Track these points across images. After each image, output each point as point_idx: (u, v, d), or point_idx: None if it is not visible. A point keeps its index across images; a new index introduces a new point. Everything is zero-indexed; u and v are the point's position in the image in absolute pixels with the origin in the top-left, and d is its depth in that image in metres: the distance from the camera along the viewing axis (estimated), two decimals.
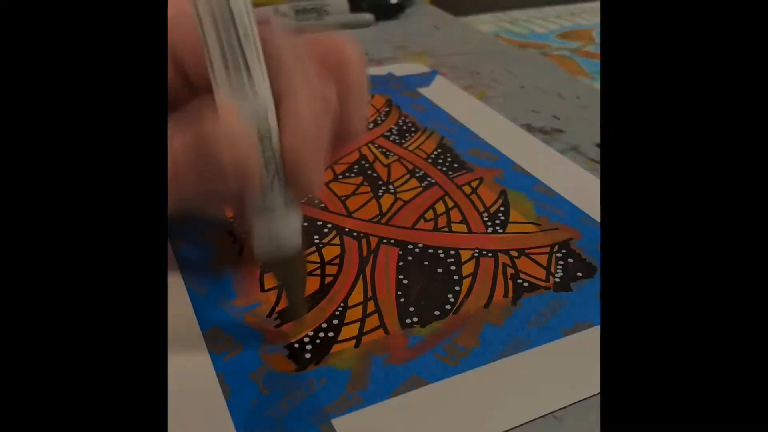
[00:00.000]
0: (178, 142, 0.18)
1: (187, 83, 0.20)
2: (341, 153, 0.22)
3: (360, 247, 0.26)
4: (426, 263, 0.25)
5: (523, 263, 0.25)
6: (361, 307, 0.23)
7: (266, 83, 0.18)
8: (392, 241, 0.26)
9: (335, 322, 0.22)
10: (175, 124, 0.18)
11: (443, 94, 0.41)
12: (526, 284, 0.24)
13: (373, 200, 0.29)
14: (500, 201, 0.29)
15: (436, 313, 0.22)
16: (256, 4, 0.26)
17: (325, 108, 0.19)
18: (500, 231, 0.27)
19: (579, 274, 0.24)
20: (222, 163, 0.17)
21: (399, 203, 0.29)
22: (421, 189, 0.30)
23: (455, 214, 0.28)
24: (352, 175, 0.31)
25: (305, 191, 0.20)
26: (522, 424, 0.19)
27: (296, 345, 0.21)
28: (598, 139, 0.35)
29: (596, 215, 0.28)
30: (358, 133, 0.21)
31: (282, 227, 0.19)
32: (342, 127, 0.20)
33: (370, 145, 0.34)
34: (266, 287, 0.24)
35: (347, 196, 0.29)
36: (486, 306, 0.23)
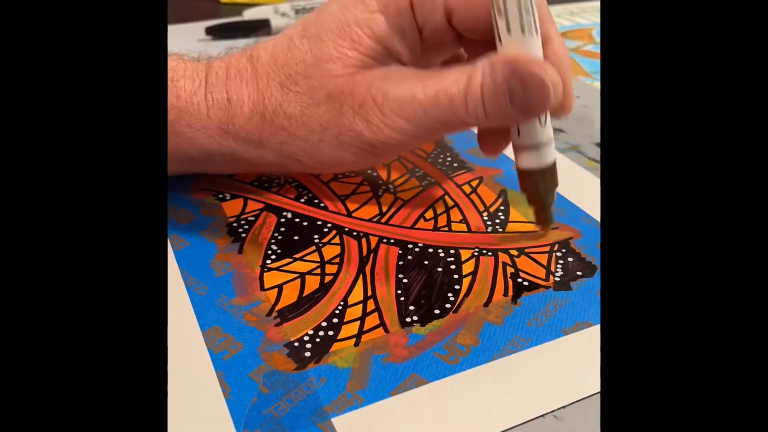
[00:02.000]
0: (487, 77, 0.22)
1: (449, 27, 0.24)
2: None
3: (360, 246, 0.26)
4: (426, 262, 0.25)
5: (522, 262, 0.25)
6: (361, 305, 0.23)
7: (538, 26, 0.23)
8: (392, 241, 0.26)
9: (335, 320, 0.22)
10: (476, 67, 0.22)
11: None
12: (526, 283, 0.24)
13: (373, 199, 0.29)
14: (500, 200, 0.29)
15: (436, 311, 0.22)
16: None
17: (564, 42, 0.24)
18: (500, 230, 0.27)
19: (579, 273, 0.25)
20: (543, 91, 0.22)
21: (399, 202, 0.29)
22: (420, 188, 0.30)
23: (455, 214, 0.28)
24: (352, 174, 0.31)
25: (568, 110, 0.24)
26: (522, 423, 0.19)
27: (296, 344, 0.21)
28: (598, 139, 0.35)
29: (596, 214, 0.28)
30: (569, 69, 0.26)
31: (548, 150, 0.24)
32: None
33: None
34: (266, 286, 0.24)
35: (347, 196, 0.29)
36: (486, 305, 0.23)
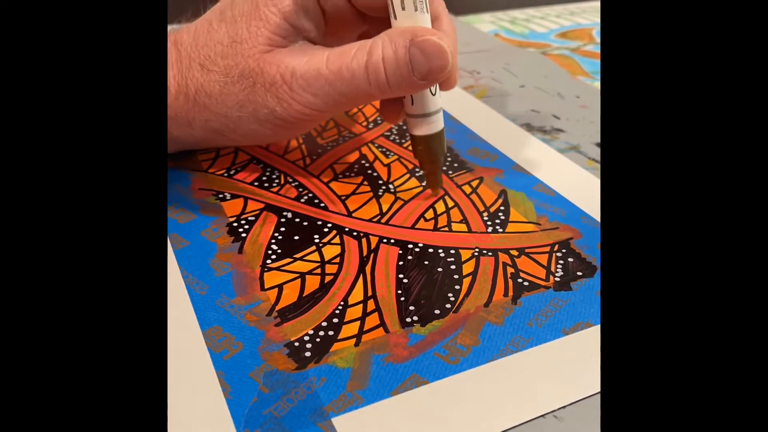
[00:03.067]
0: (388, 50, 0.24)
1: (349, 5, 0.27)
2: None
3: (360, 247, 0.26)
4: (426, 262, 0.25)
5: (523, 262, 0.25)
6: (361, 305, 0.23)
7: (428, 5, 0.25)
8: (392, 241, 0.26)
9: (335, 320, 0.22)
10: (375, 41, 0.25)
11: (443, 93, 0.41)
12: (526, 283, 0.24)
13: (373, 200, 0.29)
14: (500, 200, 0.29)
15: (436, 311, 0.22)
16: None
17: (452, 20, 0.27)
18: (500, 230, 0.27)
19: (579, 273, 0.25)
20: (442, 57, 0.24)
21: (399, 203, 0.29)
22: (421, 188, 0.30)
23: (455, 214, 0.28)
24: (352, 174, 0.31)
25: (453, 83, 0.27)
26: (522, 424, 0.19)
27: (296, 343, 0.21)
28: (598, 139, 0.35)
29: (596, 215, 0.28)
30: (455, 46, 0.28)
31: (437, 118, 0.27)
32: None
33: (370, 144, 0.34)
34: (266, 286, 0.24)
35: (347, 196, 0.29)
36: (486, 305, 0.23)
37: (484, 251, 0.26)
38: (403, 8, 0.24)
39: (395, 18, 0.25)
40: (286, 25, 0.25)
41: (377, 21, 0.27)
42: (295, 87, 0.25)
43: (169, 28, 0.29)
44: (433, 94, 0.26)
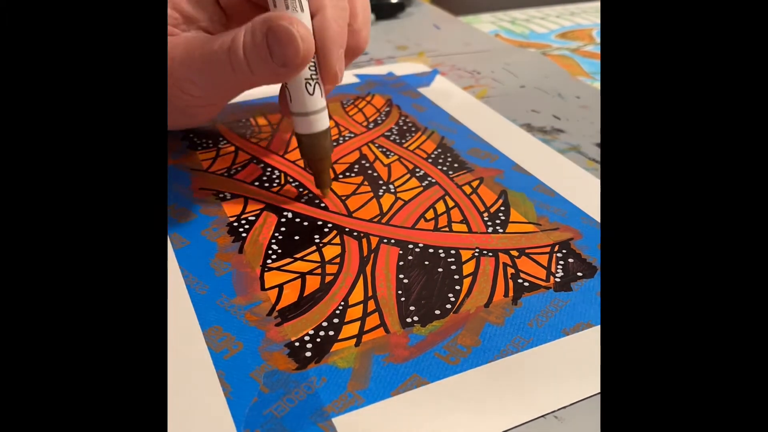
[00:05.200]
0: (248, 36, 0.24)
1: None
2: (351, 61, 0.30)
3: (360, 247, 0.26)
4: (426, 263, 0.25)
5: (523, 263, 0.25)
6: (361, 306, 0.23)
7: (306, 1, 0.25)
8: (392, 241, 0.26)
9: (336, 320, 0.22)
10: (241, 27, 0.25)
11: (443, 93, 0.41)
12: (526, 284, 0.24)
13: (374, 200, 0.29)
14: (500, 201, 0.29)
15: (437, 312, 0.22)
16: None
17: (344, 17, 0.27)
18: (500, 231, 0.27)
19: (579, 273, 0.25)
20: (292, 42, 0.24)
21: (399, 203, 0.29)
22: (421, 189, 0.30)
23: (455, 214, 0.28)
24: (353, 174, 0.31)
25: (333, 80, 0.26)
26: (522, 424, 0.19)
27: (296, 343, 0.21)
28: (598, 139, 0.35)
29: (596, 215, 0.28)
30: (364, 44, 0.29)
31: (316, 118, 0.27)
32: (352, 40, 0.28)
33: (370, 144, 0.34)
34: (266, 286, 0.24)
35: (347, 196, 0.29)
36: (486, 305, 0.23)
37: (485, 251, 0.26)
38: (275, 6, 0.25)
39: (275, 4, 0.25)
40: (175, 14, 0.26)
41: None
42: (175, 75, 0.26)
43: None
44: (311, 94, 0.26)
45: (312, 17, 0.26)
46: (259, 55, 0.24)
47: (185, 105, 0.27)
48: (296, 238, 0.26)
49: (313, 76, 0.26)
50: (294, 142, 0.34)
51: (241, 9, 0.28)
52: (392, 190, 0.30)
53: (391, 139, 0.35)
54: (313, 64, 0.26)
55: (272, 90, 0.38)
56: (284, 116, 0.32)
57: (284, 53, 0.24)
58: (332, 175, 0.30)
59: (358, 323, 0.22)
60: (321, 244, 0.26)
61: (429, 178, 0.31)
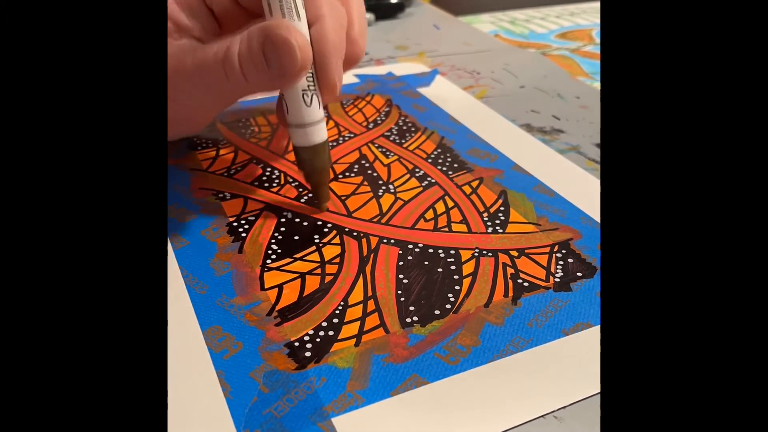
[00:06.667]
0: (243, 45, 0.24)
1: (238, 7, 0.26)
2: (347, 70, 0.29)
3: (360, 247, 0.26)
4: (426, 263, 0.25)
5: (523, 263, 0.25)
6: (361, 306, 0.23)
7: (303, 9, 0.25)
8: (392, 241, 0.26)
9: (335, 320, 0.22)
10: (235, 35, 0.24)
11: (443, 94, 0.41)
12: (526, 284, 0.24)
13: (373, 200, 0.29)
14: (500, 201, 0.29)
15: (436, 312, 0.22)
16: None
17: (342, 26, 0.26)
18: (500, 231, 0.27)
19: (579, 274, 0.25)
20: (290, 51, 0.23)
21: (399, 203, 0.29)
22: (421, 189, 0.30)
23: (455, 214, 0.28)
24: (352, 174, 0.31)
25: (332, 91, 0.26)
26: (522, 424, 0.19)
27: (296, 343, 0.21)
28: (598, 139, 0.35)
29: (596, 215, 0.28)
30: (361, 54, 0.29)
31: (314, 130, 0.26)
32: (349, 50, 0.27)
33: (370, 144, 0.34)
34: (266, 286, 0.24)
35: (347, 196, 0.29)
36: (486, 305, 0.23)
37: (484, 252, 0.26)
38: (271, 14, 0.24)
39: (271, 13, 0.25)
40: (168, 23, 0.25)
41: None
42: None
43: None
44: (308, 105, 0.25)
45: (309, 26, 0.25)
46: (255, 64, 0.24)
47: (179, 115, 0.27)
48: (296, 238, 0.26)
49: (311, 87, 0.25)
50: None
51: (234, 18, 0.27)
52: (392, 190, 0.30)
53: (391, 139, 0.35)
54: (310, 74, 0.25)
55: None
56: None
57: (281, 62, 0.23)
58: (330, 195, 0.29)
59: (358, 323, 0.22)
60: (321, 244, 0.26)
61: (429, 178, 0.31)
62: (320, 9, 0.25)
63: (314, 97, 0.26)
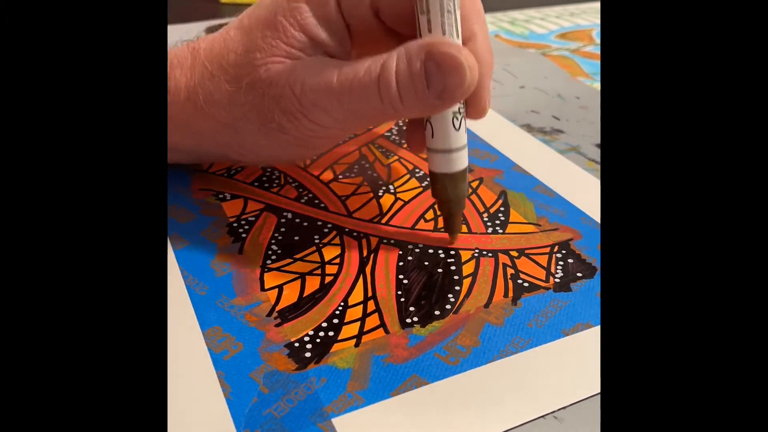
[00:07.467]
0: (402, 62, 0.22)
1: (378, 21, 0.25)
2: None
3: (360, 247, 0.26)
4: (426, 263, 0.25)
5: (522, 263, 0.25)
6: (361, 306, 0.23)
7: (460, 27, 0.23)
8: (392, 241, 0.26)
9: (335, 321, 0.22)
10: (391, 54, 0.22)
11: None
12: (526, 284, 0.24)
13: (373, 200, 0.29)
14: (500, 201, 0.29)
15: (436, 312, 0.22)
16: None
17: (489, 43, 0.25)
18: (500, 231, 0.27)
19: (579, 274, 0.25)
20: (459, 72, 0.21)
21: (399, 203, 0.29)
22: (421, 189, 0.30)
23: None
24: (352, 175, 0.31)
25: (482, 113, 0.25)
26: (522, 424, 0.19)
27: (296, 344, 0.21)
28: (598, 140, 0.35)
29: (596, 215, 0.28)
30: (491, 72, 0.26)
31: (459, 156, 0.24)
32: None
33: (370, 145, 0.34)
34: (266, 287, 0.24)
35: (347, 196, 0.29)
36: (486, 306, 0.23)
37: (484, 252, 0.26)
38: (430, 31, 0.22)
39: (429, 31, 0.23)
40: (303, 37, 0.24)
41: (406, 39, 0.24)
42: (303, 101, 0.23)
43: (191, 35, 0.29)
44: (457, 129, 0.24)
45: (463, 44, 0.23)
46: (415, 85, 0.22)
47: (308, 135, 0.25)
48: (296, 238, 0.26)
49: (461, 110, 0.24)
50: None
51: (371, 36, 0.25)
52: (392, 191, 0.30)
53: (391, 139, 0.35)
54: None
55: None
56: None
57: (446, 84, 0.21)
58: (462, 226, 0.27)
59: (358, 324, 0.22)
60: (321, 245, 0.26)
61: (429, 179, 0.31)
62: (472, 26, 0.24)
63: (462, 120, 0.24)
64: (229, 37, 0.25)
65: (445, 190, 0.25)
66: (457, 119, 0.23)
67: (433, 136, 0.24)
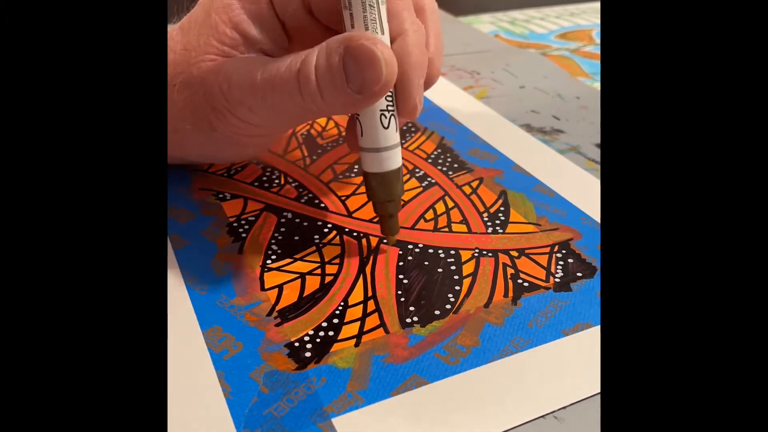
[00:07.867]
0: (321, 57, 0.21)
1: (312, 18, 0.24)
2: (425, 90, 0.26)
3: (360, 247, 0.26)
4: (426, 263, 0.25)
5: (523, 263, 0.25)
6: (361, 306, 0.23)
7: (387, 24, 0.22)
8: None
9: (335, 321, 0.22)
10: (312, 48, 0.22)
11: (443, 94, 0.41)
12: (526, 284, 0.24)
13: None
14: (500, 201, 0.29)
15: (436, 312, 0.22)
16: None
17: (423, 43, 0.24)
18: (500, 231, 0.27)
19: (579, 274, 0.25)
20: (374, 64, 0.21)
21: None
22: (421, 189, 0.30)
23: (455, 214, 0.28)
24: (352, 175, 0.31)
25: (412, 113, 0.24)
26: (522, 424, 0.19)
27: (296, 344, 0.21)
28: (598, 139, 0.35)
29: (596, 215, 0.28)
30: (438, 74, 0.26)
31: (389, 155, 0.23)
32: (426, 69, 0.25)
33: None
34: (266, 286, 0.24)
35: (347, 196, 0.29)
36: (486, 306, 0.23)
37: (484, 252, 0.26)
38: (353, 27, 0.22)
39: (352, 26, 0.22)
40: (235, 34, 0.24)
41: None
42: (230, 98, 0.23)
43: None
44: (386, 128, 0.23)
45: (391, 42, 0.23)
46: (334, 80, 0.21)
47: (238, 134, 0.25)
48: (296, 238, 0.26)
49: (389, 108, 0.23)
50: (294, 142, 0.34)
51: (306, 34, 0.25)
52: None
53: None
54: (390, 93, 0.23)
55: None
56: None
57: (363, 77, 0.21)
58: (399, 228, 0.26)
59: (358, 323, 0.22)
60: (321, 245, 0.26)
61: (429, 179, 0.31)
62: (403, 24, 0.23)
63: (392, 119, 0.23)
64: (170, 38, 0.25)
65: (377, 190, 0.24)
66: (386, 117, 0.23)
67: (362, 135, 0.23)
